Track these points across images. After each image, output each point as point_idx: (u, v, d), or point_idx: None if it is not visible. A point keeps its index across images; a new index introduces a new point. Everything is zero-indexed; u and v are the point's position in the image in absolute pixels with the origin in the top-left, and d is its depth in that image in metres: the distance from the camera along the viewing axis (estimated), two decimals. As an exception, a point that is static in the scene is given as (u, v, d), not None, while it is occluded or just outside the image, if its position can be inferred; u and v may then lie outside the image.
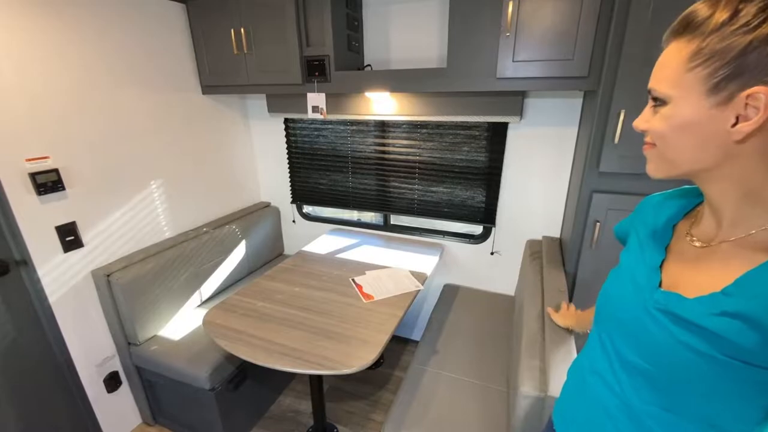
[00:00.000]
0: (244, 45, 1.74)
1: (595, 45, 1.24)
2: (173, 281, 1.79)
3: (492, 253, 2.06)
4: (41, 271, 1.40)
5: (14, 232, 1.32)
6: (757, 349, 0.44)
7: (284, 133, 2.33)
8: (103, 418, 1.67)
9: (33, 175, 1.33)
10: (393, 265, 1.87)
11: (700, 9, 0.45)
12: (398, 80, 1.58)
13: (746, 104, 0.43)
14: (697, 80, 0.45)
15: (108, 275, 1.55)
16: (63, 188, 1.42)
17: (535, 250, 1.79)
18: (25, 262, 1.36)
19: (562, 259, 1.59)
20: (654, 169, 0.55)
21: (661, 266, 0.59)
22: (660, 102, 0.50)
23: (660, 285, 0.57)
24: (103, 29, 1.50)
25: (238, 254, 2.19)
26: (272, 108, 2.21)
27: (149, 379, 1.73)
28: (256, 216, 2.35)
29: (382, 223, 2.37)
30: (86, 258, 1.54)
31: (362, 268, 1.85)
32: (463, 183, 1.99)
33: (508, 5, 1.27)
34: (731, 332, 0.45)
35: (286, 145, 2.36)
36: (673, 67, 0.48)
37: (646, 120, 0.54)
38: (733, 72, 0.43)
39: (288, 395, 2.03)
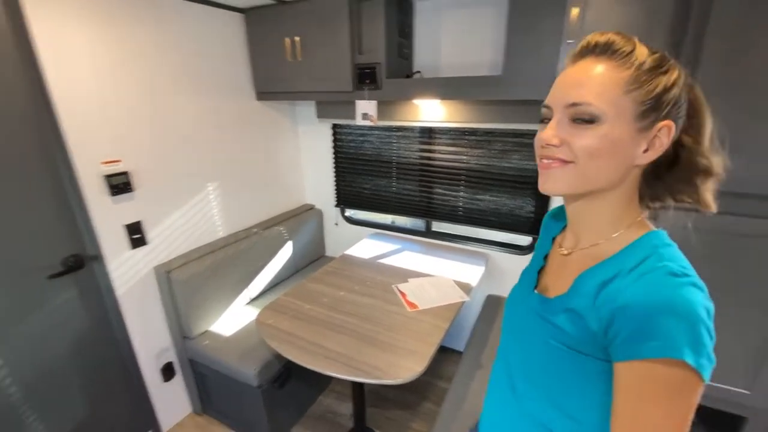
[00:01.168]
0: (298, 53, 1.79)
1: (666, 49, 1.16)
2: (225, 279, 1.88)
3: (539, 265, 1.98)
4: (111, 266, 1.51)
5: (89, 230, 1.43)
6: (584, 339, 0.51)
7: (331, 138, 2.37)
8: (158, 404, 1.78)
9: (107, 177, 1.44)
10: (435, 273, 1.85)
11: (618, 40, 0.49)
12: (450, 88, 1.56)
13: (655, 135, 0.49)
14: (632, 104, 0.48)
15: (168, 271, 1.64)
16: (131, 189, 1.53)
17: (588, 264, 1.70)
18: (97, 258, 1.48)
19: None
20: (562, 187, 0.54)
21: (540, 273, 0.68)
22: (589, 118, 0.49)
23: (536, 289, 0.65)
24: (171, 41, 1.60)
25: (284, 254, 2.25)
26: (321, 114, 2.26)
27: (201, 372, 1.82)
28: (302, 218, 2.41)
29: (423, 229, 2.35)
30: (150, 255, 1.64)
31: (404, 274, 1.84)
32: (511, 192, 1.93)
33: (571, 11, 1.22)
34: (568, 326, 0.53)
35: (333, 150, 2.40)
36: (608, 86, 0.49)
37: (555, 135, 0.52)
38: (654, 105, 0.48)
39: (328, 396, 2.06)
